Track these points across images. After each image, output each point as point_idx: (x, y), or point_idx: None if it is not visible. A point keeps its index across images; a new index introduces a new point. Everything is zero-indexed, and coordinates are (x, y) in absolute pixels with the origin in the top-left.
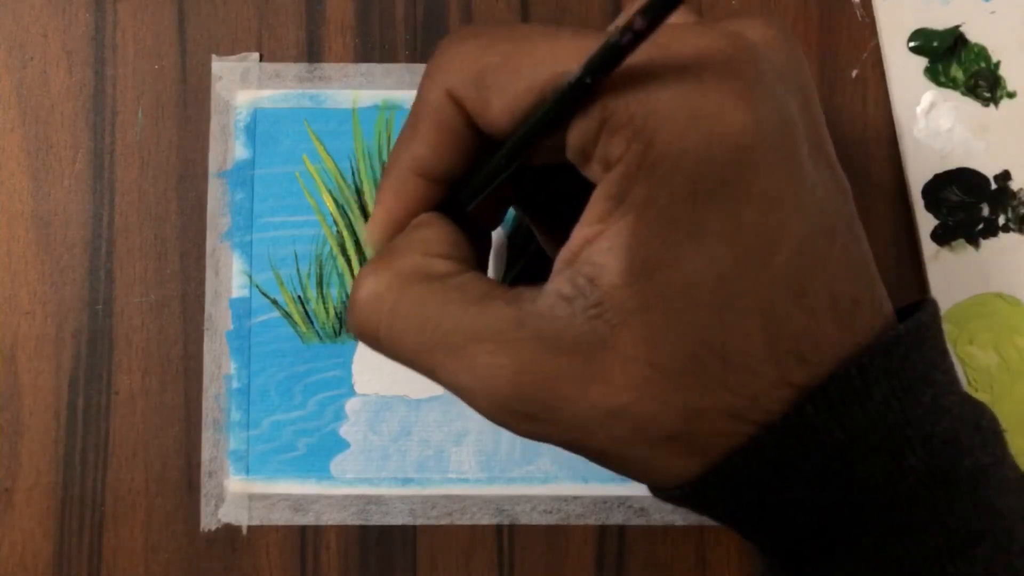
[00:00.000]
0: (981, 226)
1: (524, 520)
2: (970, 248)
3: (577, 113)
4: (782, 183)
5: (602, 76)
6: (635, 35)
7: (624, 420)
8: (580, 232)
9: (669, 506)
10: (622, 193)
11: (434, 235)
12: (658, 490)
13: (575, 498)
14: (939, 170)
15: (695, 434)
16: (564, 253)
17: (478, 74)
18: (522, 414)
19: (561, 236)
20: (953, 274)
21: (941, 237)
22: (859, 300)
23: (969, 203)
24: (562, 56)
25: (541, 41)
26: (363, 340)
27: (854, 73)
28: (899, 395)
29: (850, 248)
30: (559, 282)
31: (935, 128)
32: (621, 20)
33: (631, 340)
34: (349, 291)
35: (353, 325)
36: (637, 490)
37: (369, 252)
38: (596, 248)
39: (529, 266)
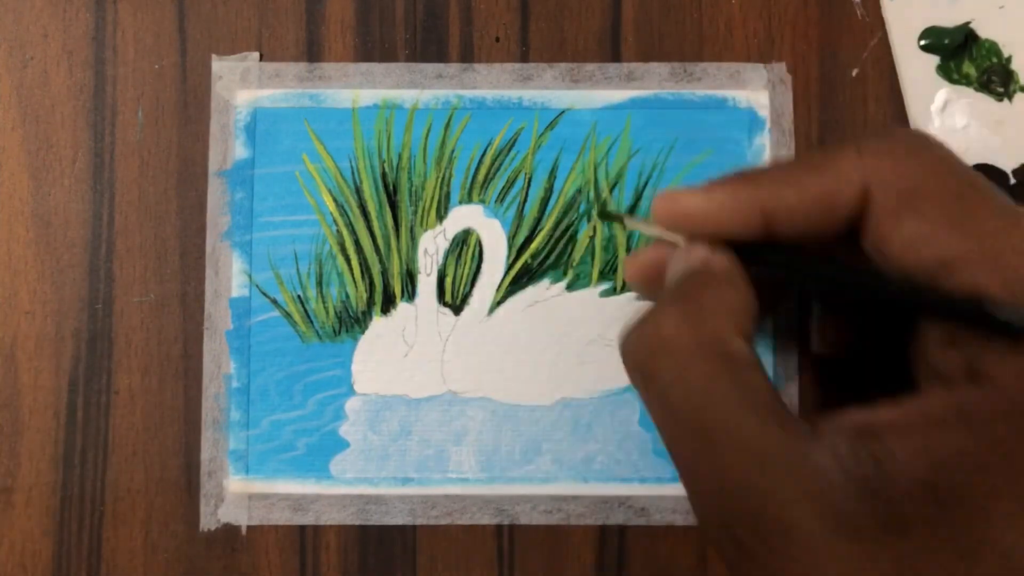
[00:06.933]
0: None
1: (524, 520)
2: None
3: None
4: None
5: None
6: None
7: None
8: (890, 413)
9: (669, 506)
10: (961, 419)
11: (740, 303)
12: None
13: (575, 498)
14: None
15: None
16: (860, 419)
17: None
18: (729, 536)
19: (833, 333)
20: None
21: None
22: None
23: None
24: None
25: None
26: (631, 370)
27: (854, 72)
28: None
29: None
30: (840, 441)
31: (950, 126)
32: None
33: (887, 551)
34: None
35: (631, 355)
36: (637, 490)
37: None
38: (904, 442)
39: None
